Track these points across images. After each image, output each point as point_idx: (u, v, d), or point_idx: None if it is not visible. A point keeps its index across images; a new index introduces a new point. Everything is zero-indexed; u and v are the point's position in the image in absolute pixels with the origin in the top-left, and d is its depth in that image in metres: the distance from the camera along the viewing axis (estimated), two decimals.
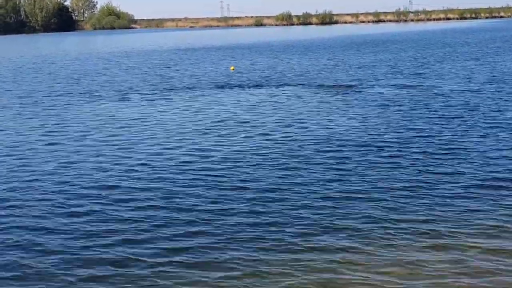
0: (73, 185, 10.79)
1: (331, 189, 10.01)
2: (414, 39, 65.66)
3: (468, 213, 8.71)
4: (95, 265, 7.33)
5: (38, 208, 9.56)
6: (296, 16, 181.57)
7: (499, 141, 13.18)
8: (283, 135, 14.61)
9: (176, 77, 30.74)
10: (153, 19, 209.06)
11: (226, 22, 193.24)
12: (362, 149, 12.78)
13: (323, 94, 21.98)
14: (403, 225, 8.28)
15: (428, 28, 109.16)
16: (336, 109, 18.38)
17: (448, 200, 9.29)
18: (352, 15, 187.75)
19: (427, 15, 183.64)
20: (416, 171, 10.90)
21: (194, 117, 17.88)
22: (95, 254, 7.64)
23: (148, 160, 12.46)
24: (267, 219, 8.63)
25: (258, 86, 25.33)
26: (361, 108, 18.35)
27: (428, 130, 14.51)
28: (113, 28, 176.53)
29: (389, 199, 9.40)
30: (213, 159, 12.38)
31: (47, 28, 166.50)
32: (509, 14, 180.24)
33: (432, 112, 17.02)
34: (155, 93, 23.92)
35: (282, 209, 9.08)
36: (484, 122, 15.30)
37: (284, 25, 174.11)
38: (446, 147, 12.73)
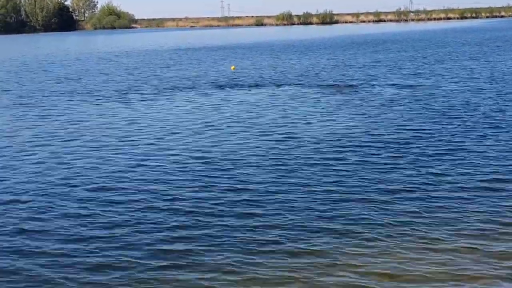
0: (73, 185, 10.79)
1: (330, 189, 9.99)
2: (414, 38, 65.62)
3: (468, 214, 8.70)
4: (91, 268, 7.28)
5: (36, 208, 9.56)
6: (297, 15, 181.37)
7: (499, 141, 13.17)
8: (283, 134, 14.60)
9: (176, 76, 30.74)
10: (153, 19, 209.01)
11: (227, 22, 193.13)
12: (361, 149, 12.78)
13: (323, 94, 21.98)
14: (402, 226, 8.27)
15: (429, 27, 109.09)
16: (336, 109, 18.37)
17: (448, 200, 9.28)
18: (352, 14, 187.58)
19: (427, 15, 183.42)
20: (415, 171, 10.89)
21: (194, 116, 17.88)
22: (92, 257, 7.61)
23: (148, 160, 12.46)
24: (265, 221, 8.60)
25: (258, 85, 25.33)
26: (361, 107, 18.35)
27: (428, 130, 14.50)
28: (113, 28, 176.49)
29: (389, 200, 9.39)
30: (212, 159, 12.38)
31: (47, 28, 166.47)
32: (510, 13, 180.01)
33: (432, 112, 17.01)
34: (155, 93, 23.93)
35: (280, 210, 9.07)
36: (484, 122, 15.29)
37: (285, 24, 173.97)
38: (446, 147, 12.72)
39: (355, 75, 28.44)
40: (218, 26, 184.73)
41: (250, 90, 23.86)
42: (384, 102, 19.33)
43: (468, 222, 8.36)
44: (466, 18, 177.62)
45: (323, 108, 18.60)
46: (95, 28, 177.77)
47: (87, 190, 10.47)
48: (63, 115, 19.02)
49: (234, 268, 7.13)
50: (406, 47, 50.26)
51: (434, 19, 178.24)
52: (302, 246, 7.69)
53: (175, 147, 13.65)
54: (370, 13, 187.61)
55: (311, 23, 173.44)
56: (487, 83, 23.35)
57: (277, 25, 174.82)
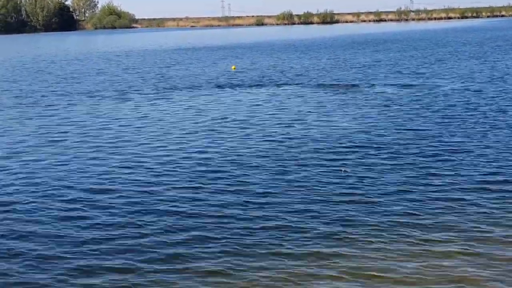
0: (72, 185, 10.77)
1: (330, 189, 9.97)
2: (415, 38, 65.59)
3: (467, 214, 8.67)
4: (89, 272, 7.22)
5: (34, 208, 9.54)
6: (297, 15, 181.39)
7: (500, 141, 13.14)
8: (283, 134, 14.58)
9: (177, 76, 30.72)
10: (154, 19, 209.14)
11: (227, 21, 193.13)
12: (361, 149, 12.75)
13: (324, 93, 21.95)
14: (401, 227, 8.25)
15: (429, 27, 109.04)
16: (337, 108, 18.35)
17: (447, 201, 9.25)
18: (353, 14, 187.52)
19: (428, 14, 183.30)
20: (415, 172, 10.86)
21: (194, 116, 17.86)
22: (90, 260, 7.56)
23: (148, 160, 12.43)
24: (265, 222, 8.55)
25: (259, 85, 25.31)
26: (361, 107, 18.32)
27: (428, 130, 14.47)
28: (114, 27, 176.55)
29: (388, 200, 9.36)
30: (212, 159, 12.36)
31: (48, 27, 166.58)
32: (511, 13, 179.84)
33: (432, 112, 16.98)
34: (156, 93, 23.91)
35: (280, 210, 9.05)
36: (484, 122, 15.26)
37: (285, 24, 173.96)
38: (446, 147, 12.69)
39: (355, 74, 28.41)
40: (219, 26, 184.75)
41: (250, 90, 23.84)
42: (384, 101, 19.30)
43: (467, 223, 8.31)
44: (466, 17, 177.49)
45: (323, 108, 18.57)
46: (96, 28, 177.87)
47: (85, 190, 10.43)
48: (62, 115, 18.99)
49: (230, 271, 7.07)
50: (407, 46, 50.23)
51: (435, 18, 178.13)
52: (300, 247, 7.65)
53: (175, 147, 13.62)
54: (371, 13, 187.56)
55: (311, 23, 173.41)
56: (488, 82, 23.31)
57: (277, 24, 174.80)
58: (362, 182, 10.29)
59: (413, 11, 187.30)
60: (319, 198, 9.54)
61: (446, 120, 15.66)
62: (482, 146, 12.65)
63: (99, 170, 11.78)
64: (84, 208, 9.46)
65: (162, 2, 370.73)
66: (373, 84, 24.04)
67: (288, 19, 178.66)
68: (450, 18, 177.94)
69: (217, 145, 13.71)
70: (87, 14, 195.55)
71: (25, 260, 7.57)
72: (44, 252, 7.79)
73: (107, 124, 16.98)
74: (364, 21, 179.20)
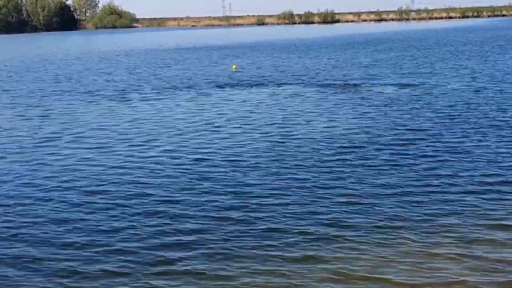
0: (72, 185, 10.76)
1: (332, 188, 9.96)
2: (416, 38, 65.55)
3: (469, 212, 8.66)
4: (86, 274, 7.16)
5: (33, 209, 9.53)
6: (298, 15, 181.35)
7: (500, 141, 13.11)
8: (283, 134, 14.56)
9: (177, 76, 30.71)
10: (155, 18, 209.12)
11: (228, 21, 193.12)
12: (361, 148, 12.74)
13: (324, 93, 21.93)
14: (400, 228, 8.23)
15: (430, 27, 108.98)
16: (337, 108, 18.33)
17: (447, 201, 9.23)
18: (354, 14, 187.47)
19: (429, 14, 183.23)
20: (415, 171, 10.85)
21: (195, 116, 17.84)
22: (88, 263, 7.51)
23: (148, 160, 12.42)
24: (264, 223, 8.52)
25: (259, 85, 25.30)
26: (362, 107, 18.29)
27: (428, 130, 14.45)
28: (114, 27, 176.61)
29: (388, 201, 9.34)
30: (213, 158, 12.34)
31: (49, 27, 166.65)
32: (511, 12, 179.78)
33: (432, 112, 16.96)
34: (156, 92, 23.90)
35: (280, 210, 9.03)
36: (484, 122, 15.24)
37: (286, 24, 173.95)
38: (446, 147, 12.67)
39: (356, 74, 28.39)
40: (220, 25, 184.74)
41: (251, 89, 23.83)
42: (385, 101, 19.28)
43: (467, 226, 8.27)
44: (467, 17, 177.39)
45: (323, 108, 18.55)
46: (96, 28, 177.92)
47: (82, 192, 10.40)
48: (63, 115, 18.98)
49: (225, 273, 7.04)
50: (407, 46, 50.18)
51: (436, 18, 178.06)
52: (296, 249, 7.62)
53: (175, 147, 13.61)
54: (372, 12, 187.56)
55: (312, 23, 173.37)
56: (488, 82, 23.28)
57: (278, 24, 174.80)
58: (362, 183, 10.26)
59: (414, 11, 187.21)
60: (317, 199, 9.51)
61: (447, 120, 15.63)
62: (482, 146, 12.62)
63: (97, 170, 11.76)
64: (80, 210, 9.41)
65: (163, 1, 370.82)
66: (374, 84, 24.02)
67: (289, 18, 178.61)
68: (451, 17, 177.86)
69: (217, 144, 13.69)
70: (88, 14, 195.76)
71: (17, 263, 7.49)
72: (37, 255, 7.71)
73: (107, 124, 16.97)
74: (365, 20, 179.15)
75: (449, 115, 16.29)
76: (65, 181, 11.01)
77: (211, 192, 10.02)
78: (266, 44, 63.91)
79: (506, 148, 12.43)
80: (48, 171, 11.80)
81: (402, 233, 7.98)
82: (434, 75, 26.50)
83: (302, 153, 12.57)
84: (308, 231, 8.13)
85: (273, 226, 8.37)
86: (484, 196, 9.36)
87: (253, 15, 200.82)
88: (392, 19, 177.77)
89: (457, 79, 24.83)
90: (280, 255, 7.40)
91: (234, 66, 34.35)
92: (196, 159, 12.34)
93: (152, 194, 10.01)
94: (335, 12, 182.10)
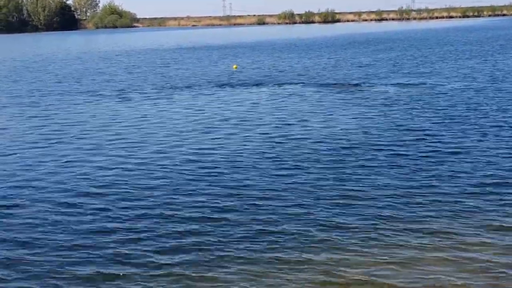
0: (72, 185, 10.76)
1: (330, 189, 9.95)
2: (416, 37, 65.51)
3: (467, 214, 8.64)
4: (80, 276, 7.16)
5: (33, 208, 9.53)
6: (299, 14, 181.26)
7: (500, 141, 13.10)
8: (284, 133, 14.56)
9: (178, 75, 30.71)
10: (155, 18, 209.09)
11: (229, 21, 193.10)
12: (362, 148, 12.72)
13: (325, 93, 21.92)
14: (401, 226, 8.23)
15: (431, 26, 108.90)
16: (338, 108, 18.32)
17: (447, 200, 9.22)
18: (354, 13, 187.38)
19: (429, 14, 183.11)
20: (415, 171, 10.84)
21: (195, 115, 17.84)
22: (83, 265, 7.51)
23: (148, 160, 12.42)
24: (261, 224, 8.48)
25: (260, 84, 25.30)
26: (362, 107, 18.29)
27: (429, 130, 14.44)
28: (115, 27, 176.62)
29: (388, 200, 9.34)
30: (213, 158, 12.34)
31: (49, 27, 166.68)
32: None
33: (433, 111, 16.95)
34: (157, 92, 23.89)
35: (280, 209, 9.03)
36: (485, 122, 15.23)
37: (287, 23, 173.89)
38: (447, 146, 12.66)
39: (356, 74, 28.38)
40: (220, 25, 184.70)
41: (251, 89, 23.82)
42: (385, 101, 19.27)
43: (468, 221, 8.29)
44: (468, 16, 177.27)
45: (324, 107, 18.54)
46: (97, 27, 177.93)
47: (81, 193, 10.39)
48: (63, 115, 18.99)
49: (222, 276, 7.05)
50: (408, 46, 50.16)
51: (436, 17, 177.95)
52: (294, 251, 7.61)
53: (175, 147, 13.60)
54: (372, 12, 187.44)
55: (313, 22, 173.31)
56: (489, 82, 23.26)
57: (279, 24, 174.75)
58: (360, 184, 10.22)
59: (414, 11, 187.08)
60: (314, 200, 9.47)
61: (447, 120, 15.62)
62: (482, 146, 12.61)
63: (96, 171, 11.74)
64: (76, 211, 9.39)
65: (163, 1, 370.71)
66: (374, 84, 24.01)
67: (289, 18, 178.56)
68: (451, 17, 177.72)
69: (216, 144, 13.68)
70: (88, 14, 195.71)
71: (11, 265, 7.45)
72: (29, 257, 7.67)
73: (107, 124, 16.97)
74: (366, 20, 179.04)
75: (449, 115, 16.29)
76: (64, 182, 11.00)
77: (209, 193, 9.97)
78: (266, 43, 63.89)
79: (506, 148, 12.42)
80: (48, 171, 11.79)
81: (401, 235, 7.96)
82: (434, 75, 26.49)
83: (301, 153, 12.55)
84: (304, 233, 8.09)
85: (270, 228, 8.31)
86: (483, 198, 9.33)
87: (254, 15, 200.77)
88: (393, 19, 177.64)
89: (457, 78, 24.81)
90: (276, 257, 7.38)
91: (234, 66, 34.35)
92: (196, 159, 12.32)
93: (152, 195, 10.00)
94: (336, 11, 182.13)
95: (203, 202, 9.49)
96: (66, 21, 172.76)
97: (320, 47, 53.74)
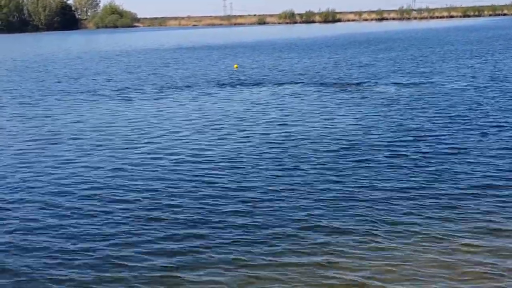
0: (72, 185, 10.73)
1: (328, 190, 9.92)
2: (417, 37, 65.48)
3: (466, 216, 8.61)
4: (79, 281, 7.10)
5: (33, 208, 9.50)
6: (299, 14, 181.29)
7: (500, 141, 13.08)
8: (284, 133, 14.53)
9: (178, 75, 30.69)
10: (156, 18, 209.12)
11: (229, 20, 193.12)
12: (362, 148, 12.69)
13: (325, 92, 21.90)
14: (399, 228, 8.20)
15: (431, 26, 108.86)
16: (337, 107, 18.29)
17: (446, 202, 9.20)
18: (355, 13, 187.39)
19: (430, 13, 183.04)
20: (416, 171, 10.81)
21: (195, 115, 17.81)
22: (82, 269, 7.47)
23: (149, 159, 12.39)
24: (261, 227, 8.45)
25: (260, 84, 25.27)
26: (362, 106, 18.26)
27: (429, 130, 14.42)
28: (116, 26, 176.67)
29: (387, 201, 9.30)
30: (213, 158, 12.31)
31: (50, 26, 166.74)
32: None
33: (433, 111, 16.92)
34: (157, 92, 23.87)
35: (278, 210, 9.00)
36: (485, 122, 15.20)
37: (287, 23, 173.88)
38: (447, 146, 12.63)
39: (357, 73, 28.35)
40: (221, 25, 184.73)
41: (251, 89, 23.80)
42: (385, 101, 19.24)
43: (468, 221, 8.26)
44: (469, 16, 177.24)
45: (324, 107, 18.51)
46: (98, 27, 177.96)
47: (80, 194, 10.37)
48: (63, 115, 18.96)
49: (221, 279, 7.02)
50: (409, 45, 50.12)
51: (437, 17, 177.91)
52: (295, 254, 7.59)
53: (175, 146, 13.58)
54: (373, 12, 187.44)
55: (313, 22, 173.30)
56: (489, 82, 23.23)
57: (279, 23, 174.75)
58: (360, 185, 10.18)
59: (415, 10, 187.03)
60: (314, 201, 9.44)
61: (447, 120, 15.60)
62: (482, 146, 12.58)
63: (95, 172, 11.72)
64: (75, 214, 9.35)
65: (164, 1, 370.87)
66: (375, 83, 23.98)
67: (290, 18, 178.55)
68: (452, 17, 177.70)
69: (216, 144, 13.65)
70: (89, 13, 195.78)
71: (9, 270, 7.39)
72: (22, 261, 7.63)
73: (107, 124, 16.94)
74: (366, 20, 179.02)
75: (449, 115, 16.26)
76: (62, 183, 10.96)
77: (208, 194, 9.94)
78: (267, 43, 63.87)
79: (506, 148, 12.39)
80: (47, 172, 11.77)
81: (399, 237, 7.93)
82: (434, 75, 26.45)
83: (301, 153, 12.52)
84: (301, 235, 8.06)
85: (267, 230, 8.27)
86: (482, 199, 9.29)
87: (254, 15, 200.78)
88: (394, 19, 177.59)
89: (457, 78, 24.78)
90: (273, 259, 7.35)
91: (235, 66, 34.33)
92: (196, 159, 12.30)
93: (150, 196, 9.97)
94: (336, 11, 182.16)
95: (201, 203, 9.46)
96: (67, 21, 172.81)
97: (320, 46, 53.71)
